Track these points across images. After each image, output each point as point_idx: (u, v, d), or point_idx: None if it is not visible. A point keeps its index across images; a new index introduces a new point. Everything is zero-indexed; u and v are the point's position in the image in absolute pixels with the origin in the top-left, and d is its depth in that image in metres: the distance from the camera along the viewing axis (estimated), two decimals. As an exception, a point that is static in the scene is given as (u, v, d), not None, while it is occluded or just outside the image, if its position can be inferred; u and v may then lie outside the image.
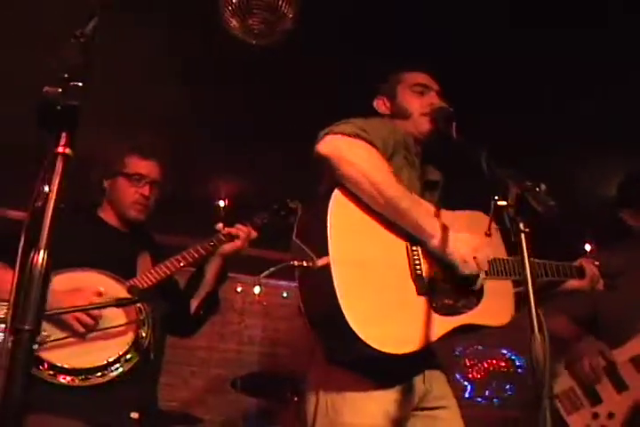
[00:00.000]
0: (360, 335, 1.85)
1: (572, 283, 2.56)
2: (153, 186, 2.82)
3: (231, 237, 2.84)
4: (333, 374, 2.05)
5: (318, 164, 2.09)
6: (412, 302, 2.00)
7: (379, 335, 1.88)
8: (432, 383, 2.16)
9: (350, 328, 1.85)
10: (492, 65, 3.71)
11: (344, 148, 2.04)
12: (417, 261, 2.05)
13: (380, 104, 2.47)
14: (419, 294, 2.02)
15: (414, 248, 2.07)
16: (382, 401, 2.01)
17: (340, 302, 1.86)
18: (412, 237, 2.07)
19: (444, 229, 2.07)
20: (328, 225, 1.95)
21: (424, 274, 2.05)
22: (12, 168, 4.26)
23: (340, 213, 2.00)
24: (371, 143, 2.07)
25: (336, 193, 2.03)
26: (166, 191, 2.89)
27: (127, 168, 2.80)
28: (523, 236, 1.67)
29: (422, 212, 2.08)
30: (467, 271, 2.06)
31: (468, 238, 2.08)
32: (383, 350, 1.88)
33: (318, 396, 2.07)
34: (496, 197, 1.72)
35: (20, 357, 1.03)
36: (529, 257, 1.65)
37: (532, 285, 1.63)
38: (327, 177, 2.14)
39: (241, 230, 2.85)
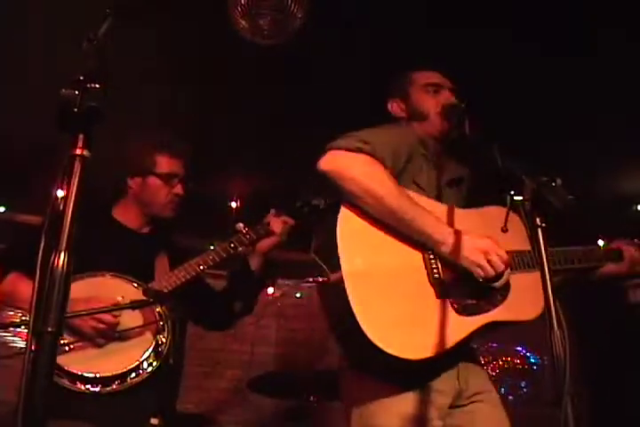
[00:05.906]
0: (379, 345, 1.88)
1: (610, 267, 2.49)
2: (184, 184, 2.79)
3: (252, 238, 2.78)
4: (364, 380, 2.08)
5: (321, 178, 2.12)
6: (431, 307, 2.01)
7: (398, 343, 1.91)
8: (468, 380, 2.14)
9: (369, 339, 1.88)
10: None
11: (345, 164, 2.07)
12: (434, 266, 2.06)
13: (395, 107, 2.48)
14: (438, 297, 2.02)
15: (431, 253, 2.08)
16: (413, 402, 2.01)
17: (356, 314, 1.90)
18: (427, 244, 2.08)
19: (456, 234, 2.07)
20: (338, 241, 1.99)
21: (442, 277, 2.05)
22: (23, 171, 4.26)
23: (348, 227, 2.04)
24: (373, 156, 2.08)
25: (343, 209, 2.07)
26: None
27: (159, 167, 2.76)
28: (539, 231, 1.66)
29: (430, 220, 2.07)
30: (482, 275, 2.05)
31: (480, 243, 2.06)
32: (404, 356, 1.90)
33: (352, 403, 2.09)
34: (512, 192, 1.71)
35: (44, 360, 1.02)
36: (546, 252, 1.64)
37: (550, 280, 1.62)
38: (332, 191, 2.15)
39: (275, 224, 2.79)
